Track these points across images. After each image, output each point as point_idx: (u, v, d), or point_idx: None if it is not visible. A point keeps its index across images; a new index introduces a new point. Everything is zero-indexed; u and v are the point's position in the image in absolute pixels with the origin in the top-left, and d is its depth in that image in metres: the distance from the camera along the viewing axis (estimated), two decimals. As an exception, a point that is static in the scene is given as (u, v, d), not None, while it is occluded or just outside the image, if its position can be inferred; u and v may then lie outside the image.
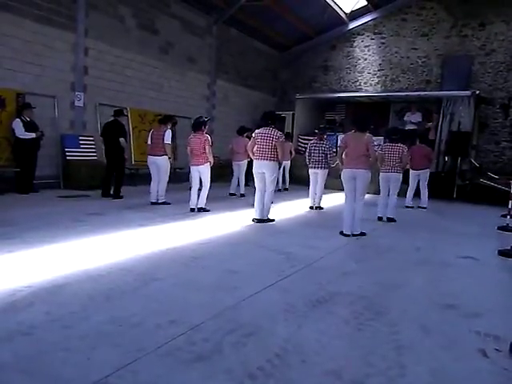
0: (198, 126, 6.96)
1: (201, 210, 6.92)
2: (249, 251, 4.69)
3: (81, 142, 9.01)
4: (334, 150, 8.72)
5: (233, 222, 6.37)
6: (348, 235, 5.68)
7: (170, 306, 2.96)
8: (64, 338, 2.39)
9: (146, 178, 8.33)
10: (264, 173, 6.28)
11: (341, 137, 11.87)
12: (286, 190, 11.06)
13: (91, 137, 9.23)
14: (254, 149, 6.28)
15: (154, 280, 3.45)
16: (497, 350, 2.59)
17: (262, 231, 5.91)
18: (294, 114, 13.76)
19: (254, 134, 6.38)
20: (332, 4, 13.10)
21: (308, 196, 8.39)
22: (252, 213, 6.53)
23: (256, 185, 6.44)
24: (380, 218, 7.24)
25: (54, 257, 3.93)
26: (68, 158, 8.72)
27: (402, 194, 8.15)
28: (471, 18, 12.70)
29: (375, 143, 5.72)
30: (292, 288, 3.49)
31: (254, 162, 6.36)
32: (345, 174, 5.78)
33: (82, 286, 3.22)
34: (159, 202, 7.41)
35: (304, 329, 2.72)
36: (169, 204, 7.44)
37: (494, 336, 2.77)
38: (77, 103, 8.98)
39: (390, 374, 2.24)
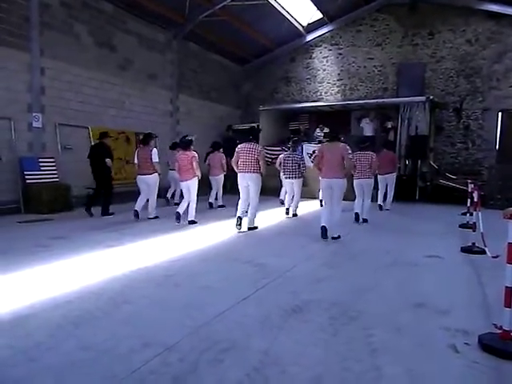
0: (186, 144, 7.38)
1: (191, 222, 7.23)
2: (221, 265, 4.65)
3: (41, 164, 8.66)
4: (304, 159, 9.13)
5: (208, 235, 6.36)
6: (325, 228, 5.98)
7: (143, 328, 2.88)
8: (30, 371, 2.27)
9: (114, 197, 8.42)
10: (248, 185, 6.60)
11: (305, 145, 12.23)
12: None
13: (52, 158, 8.91)
14: (238, 162, 6.62)
15: (125, 303, 3.35)
16: (466, 344, 2.69)
17: (234, 243, 5.88)
18: (258, 126, 13.88)
19: (237, 149, 6.74)
20: (289, 17, 13.44)
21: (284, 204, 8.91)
22: (232, 223, 6.80)
23: (241, 195, 6.78)
24: (357, 219, 7.76)
25: (18, 286, 3.75)
26: (28, 181, 8.36)
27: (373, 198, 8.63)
28: (420, 27, 13.36)
29: (349, 151, 6.09)
30: (266, 300, 3.49)
31: (239, 174, 6.71)
32: (322, 183, 6.22)
33: (49, 314, 3.08)
34: (150, 217, 7.75)
35: (280, 339, 2.72)
36: (157, 218, 7.77)
37: (463, 331, 2.88)
38: (35, 124, 8.65)
39: (367, 377, 2.28)
